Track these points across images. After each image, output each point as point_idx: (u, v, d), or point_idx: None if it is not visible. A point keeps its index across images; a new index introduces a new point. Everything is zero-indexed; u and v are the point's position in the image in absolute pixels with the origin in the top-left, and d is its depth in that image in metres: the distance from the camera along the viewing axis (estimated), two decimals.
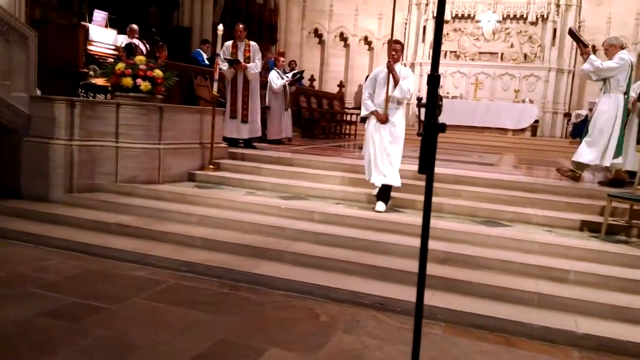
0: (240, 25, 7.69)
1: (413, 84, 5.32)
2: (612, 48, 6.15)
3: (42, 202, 5.42)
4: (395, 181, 5.19)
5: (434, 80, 1.51)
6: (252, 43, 7.73)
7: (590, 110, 11.11)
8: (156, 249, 4.47)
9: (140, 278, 4.03)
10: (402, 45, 5.27)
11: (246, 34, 7.70)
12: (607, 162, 6.04)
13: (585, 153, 6.11)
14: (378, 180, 5.18)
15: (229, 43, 7.57)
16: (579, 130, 15.43)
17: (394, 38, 5.46)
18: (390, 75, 5.13)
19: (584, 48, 6.19)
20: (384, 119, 5.16)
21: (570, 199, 5.51)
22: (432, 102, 1.48)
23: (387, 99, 5.14)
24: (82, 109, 5.57)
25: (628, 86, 6.09)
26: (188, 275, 4.13)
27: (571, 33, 6.78)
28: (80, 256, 4.43)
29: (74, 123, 5.52)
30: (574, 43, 7.09)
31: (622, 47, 6.28)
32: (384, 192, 5.27)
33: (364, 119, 5.53)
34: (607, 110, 5.98)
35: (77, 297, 3.51)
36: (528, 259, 4.16)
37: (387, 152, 5.15)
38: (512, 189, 5.77)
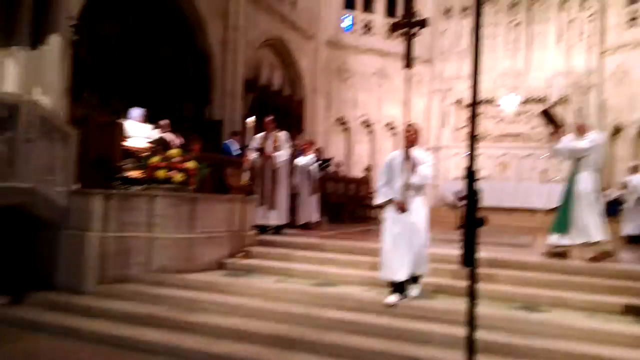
0: (268, 119, 8.09)
1: (432, 168, 5.01)
2: (582, 128, 6.42)
3: (75, 293, 5.48)
4: (424, 269, 5.01)
5: (472, 174, 1.54)
6: (281, 134, 8.04)
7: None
8: (187, 341, 4.42)
9: None
10: (417, 129, 5.04)
11: (274, 126, 8.04)
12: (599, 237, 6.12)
13: (594, 232, 6.09)
14: (401, 274, 4.79)
15: (259, 135, 7.90)
16: (611, 209, 15.16)
17: (413, 122, 5.40)
18: (408, 160, 4.86)
19: (557, 128, 6.42)
20: (402, 207, 4.83)
21: (610, 281, 5.31)
22: (472, 195, 1.50)
23: (405, 185, 4.84)
24: (117, 201, 5.77)
25: (599, 164, 6.33)
26: None
27: (545, 114, 7.00)
28: (112, 349, 4.40)
29: (109, 215, 5.70)
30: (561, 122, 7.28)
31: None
32: (415, 278, 5.03)
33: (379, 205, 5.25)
34: (586, 189, 6.13)
35: None
36: (572, 348, 3.96)
37: (414, 243, 4.80)
38: (548, 271, 5.61)
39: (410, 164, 4.82)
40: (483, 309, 4.71)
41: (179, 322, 4.77)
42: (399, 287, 4.86)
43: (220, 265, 6.34)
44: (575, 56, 17.29)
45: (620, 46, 16.63)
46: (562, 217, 6.25)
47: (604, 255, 6.05)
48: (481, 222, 1.50)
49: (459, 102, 18.51)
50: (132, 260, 5.76)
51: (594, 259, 5.97)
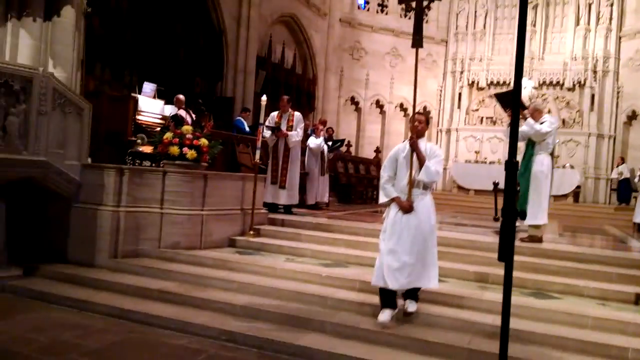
0: (285, 97, 8.08)
1: (442, 164, 4.38)
2: (537, 112, 6.40)
3: (87, 266, 5.53)
4: (434, 282, 4.27)
5: (512, 166, 1.50)
6: (296, 113, 8.00)
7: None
8: (197, 317, 4.45)
9: (181, 347, 4.00)
10: (427, 118, 4.56)
11: (290, 105, 8.00)
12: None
13: (542, 215, 6.17)
14: (399, 284, 4.10)
15: (275, 113, 7.91)
16: (624, 194, 15.02)
17: (422, 111, 5.13)
18: (415, 154, 4.22)
19: (522, 111, 6.34)
20: (407, 207, 4.16)
21: (623, 270, 5.27)
22: (511, 188, 1.46)
23: (412, 182, 4.20)
24: (130, 176, 5.77)
25: (553, 148, 6.46)
26: (228, 344, 4.08)
27: (499, 97, 7.11)
28: (123, 322, 4.44)
29: (122, 190, 5.71)
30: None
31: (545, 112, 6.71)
32: (414, 291, 4.35)
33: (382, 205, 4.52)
34: (542, 171, 6.19)
35: None
36: (583, 335, 3.94)
37: (418, 251, 4.14)
38: (560, 259, 5.57)
39: (418, 158, 4.21)
40: (494, 295, 4.72)
41: (190, 298, 4.80)
42: (389, 300, 4.22)
43: (230, 243, 6.37)
44: (592, 40, 16.98)
45: (638, 31, 16.29)
46: (522, 199, 6.27)
47: (537, 240, 6.17)
48: (522, 215, 1.45)
49: (472, 84, 18.29)
50: (144, 236, 5.78)
51: (528, 239, 6.14)
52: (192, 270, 5.40)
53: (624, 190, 14.85)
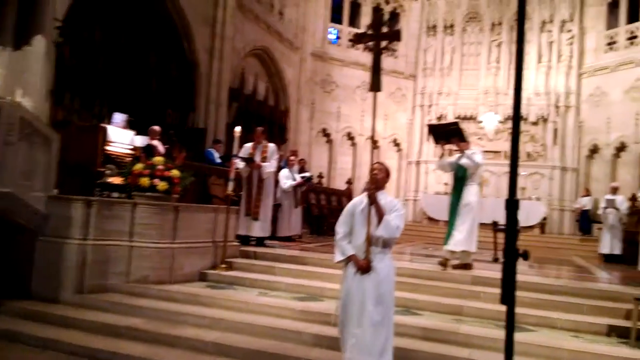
0: (259, 129, 8.07)
1: (403, 219, 3.83)
2: (464, 144, 6.65)
3: (52, 302, 5.30)
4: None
5: (513, 204, 1.50)
6: (270, 145, 8.00)
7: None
8: (168, 355, 4.30)
9: None
10: (385, 168, 3.97)
11: (265, 137, 7.99)
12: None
13: (474, 243, 6.51)
14: (355, 355, 3.59)
15: (249, 145, 7.87)
16: (585, 225, 15.39)
17: (380, 161, 4.08)
18: (372, 208, 3.73)
19: (460, 143, 6.58)
20: (365, 266, 3.67)
21: (594, 302, 5.35)
22: (512, 226, 1.45)
23: (369, 239, 3.70)
24: (98, 208, 5.62)
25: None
26: None
27: (433, 128, 7.18)
28: None
29: (89, 222, 5.55)
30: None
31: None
32: None
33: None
34: (476, 201, 6.52)
35: None
36: None
37: (371, 319, 3.60)
38: (532, 291, 5.61)
39: (377, 212, 3.74)
40: (469, 328, 4.72)
41: (159, 335, 4.63)
42: None
43: (202, 277, 6.23)
44: (554, 77, 17.63)
45: (598, 69, 17.02)
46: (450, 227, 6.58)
47: (468, 267, 6.50)
48: (524, 255, 1.44)
49: (440, 117, 18.68)
50: (112, 270, 5.60)
51: (460, 266, 6.44)
52: (162, 305, 5.24)
53: (584, 221, 15.22)
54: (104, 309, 5.21)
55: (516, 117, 1.38)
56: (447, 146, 7.16)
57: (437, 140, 6.96)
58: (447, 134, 6.76)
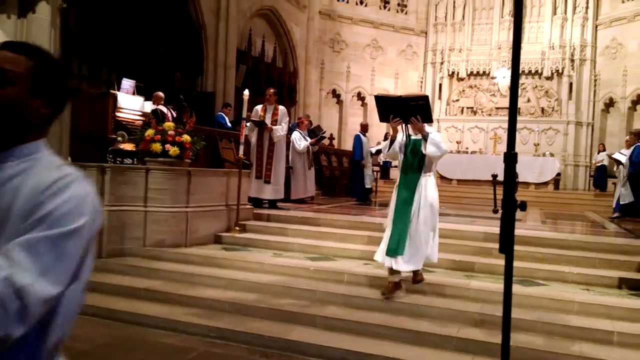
0: (271, 90, 7.95)
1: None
2: (423, 125, 4.59)
3: None
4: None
5: (511, 157, 1.51)
6: (281, 107, 7.89)
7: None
8: (185, 315, 4.42)
9: (170, 346, 3.97)
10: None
11: (276, 99, 7.91)
12: None
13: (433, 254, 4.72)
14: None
15: (259, 107, 7.78)
16: (600, 181, 15.28)
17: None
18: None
19: (419, 124, 4.52)
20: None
21: (606, 255, 5.36)
22: (511, 178, 1.47)
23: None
24: (112, 174, 5.68)
25: None
26: (218, 341, 4.06)
27: (380, 100, 4.67)
28: (111, 323, 4.39)
29: (104, 189, 5.62)
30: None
31: None
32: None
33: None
34: (436, 198, 4.68)
35: None
36: (569, 321, 4.02)
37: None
38: (544, 246, 5.65)
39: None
40: (480, 283, 4.78)
41: (177, 296, 4.76)
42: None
43: (216, 239, 6.33)
44: (569, 29, 17.17)
45: (614, 20, 16.52)
46: (399, 233, 4.49)
47: (422, 278, 4.66)
48: (522, 206, 1.45)
49: (452, 74, 18.39)
50: (128, 235, 5.71)
51: (420, 278, 4.66)
52: (178, 268, 5.36)
53: (600, 177, 15.09)
54: (123, 272, 5.35)
55: (515, 71, 1.37)
56: (396, 125, 4.59)
57: (384, 117, 4.63)
58: (408, 110, 4.51)
